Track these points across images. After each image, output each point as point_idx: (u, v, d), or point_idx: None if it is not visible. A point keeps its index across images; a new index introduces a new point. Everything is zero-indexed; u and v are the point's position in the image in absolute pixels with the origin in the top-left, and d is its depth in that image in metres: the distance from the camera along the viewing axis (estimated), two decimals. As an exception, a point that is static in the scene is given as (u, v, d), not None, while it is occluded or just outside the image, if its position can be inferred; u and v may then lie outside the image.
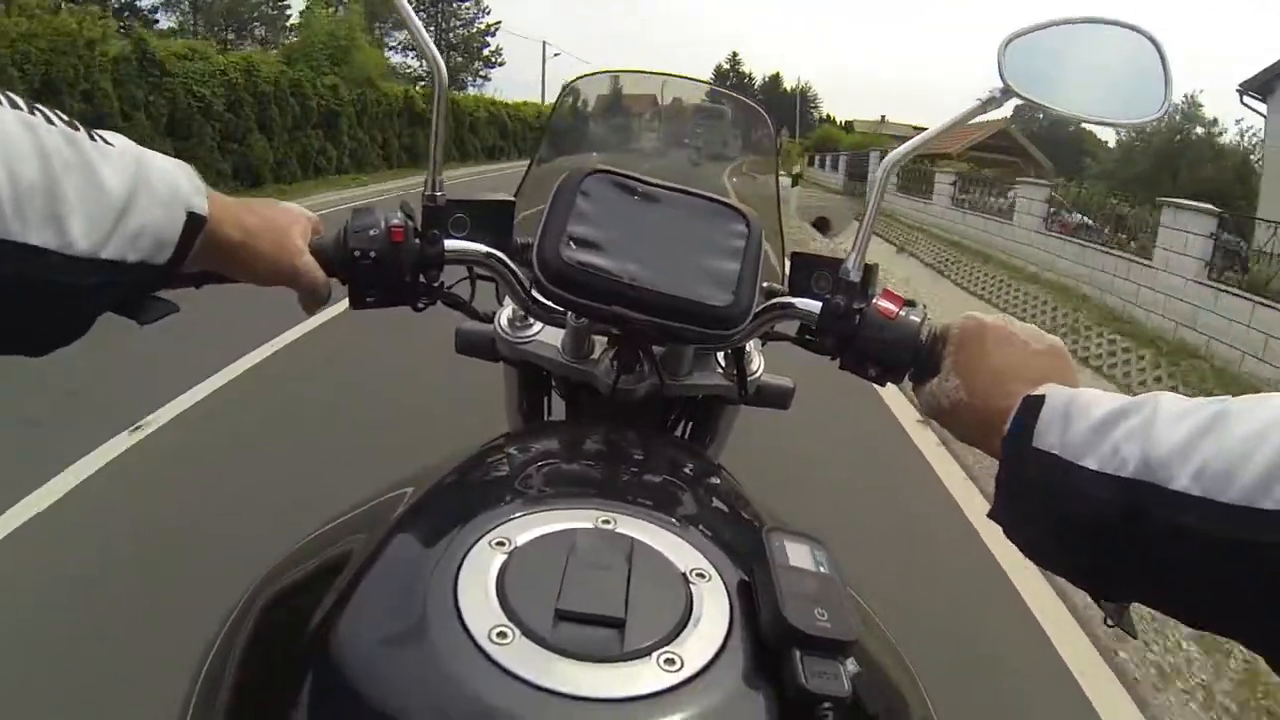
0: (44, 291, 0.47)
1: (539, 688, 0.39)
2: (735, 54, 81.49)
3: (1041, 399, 0.53)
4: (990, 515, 0.56)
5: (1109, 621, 0.53)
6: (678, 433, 1.01)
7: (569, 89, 1.13)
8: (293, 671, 0.44)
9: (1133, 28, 0.86)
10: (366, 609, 0.45)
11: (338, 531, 0.60)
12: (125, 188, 0.50)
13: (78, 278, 0.48)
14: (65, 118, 0.48)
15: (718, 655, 0.43)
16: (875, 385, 0.76)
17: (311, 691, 0.42)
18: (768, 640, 0.44)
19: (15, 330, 0.49)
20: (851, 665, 0.43)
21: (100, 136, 0.50)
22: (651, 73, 1.20)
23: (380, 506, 0.60)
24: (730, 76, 77.49)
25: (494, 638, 0.41)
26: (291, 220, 0.69)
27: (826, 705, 0.40)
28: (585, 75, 1.13)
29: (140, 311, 0.57)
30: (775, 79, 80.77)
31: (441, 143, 0.77)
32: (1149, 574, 0.45)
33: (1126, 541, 0.45)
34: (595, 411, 0.90)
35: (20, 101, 0.46)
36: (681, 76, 1.21)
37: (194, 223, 0.56)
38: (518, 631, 0.41)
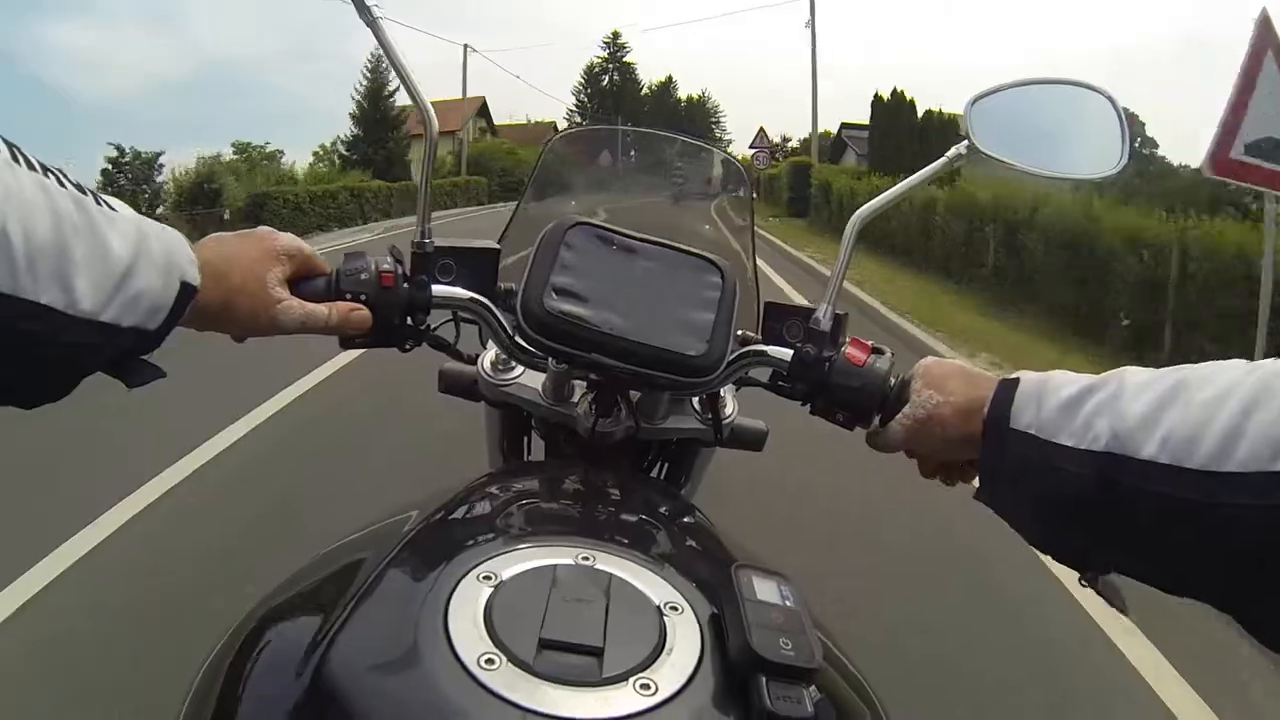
0: (46, 349, 0.48)
1: (525, 709, 0.41)
2: (616, 35, 61.53)
3: (1016, 381, 0.57)
4: (976, 497, 0.59)
5: (1083, 582, 0.55)
6: (654, 473, 1.03)
7: (553, 142, 1.18)
8: (290, 694, 0.45)
9: (1091, 87, 0.90)
10: (363, 637, 0.47)
11: (333, 563, 0.62)
12: (129, 254, 0.52)
13: (78, 337, 0.49)
14: (74, 182, 0.50)
15: (689, 681, 0.45)
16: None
17: (310, 715, 0.44)
18: (736, 668, 0.46)
19: (12, 384, 0.51)
20: (814, 691, 0.45)
21: (106, 202, 0.52)
22: (637, 129, 1.24)
23: (374, 540, 0.62)
24: (610, 68, 61.15)
25: (482, 664, 0.43)
26: (267, 261, 0.68)
27: None
28: (568, 130, 1.18)
29: (130, 374, 0.58)
30: (666, 85, 64.07)
31: (429, 191, 0.80)
32: (1125, 543, 0.48)
33: (1102, 512, 0.48)
34: (574, 452, 0.92)
35: (36, 163, 0.48)
36: (661, 134, 1.25)
37: (186, 292, 0.57)
38: (504, 658, 0.44)
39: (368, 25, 0.75)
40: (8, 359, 0.48)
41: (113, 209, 0.53)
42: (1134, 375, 0.50)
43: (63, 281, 0.48)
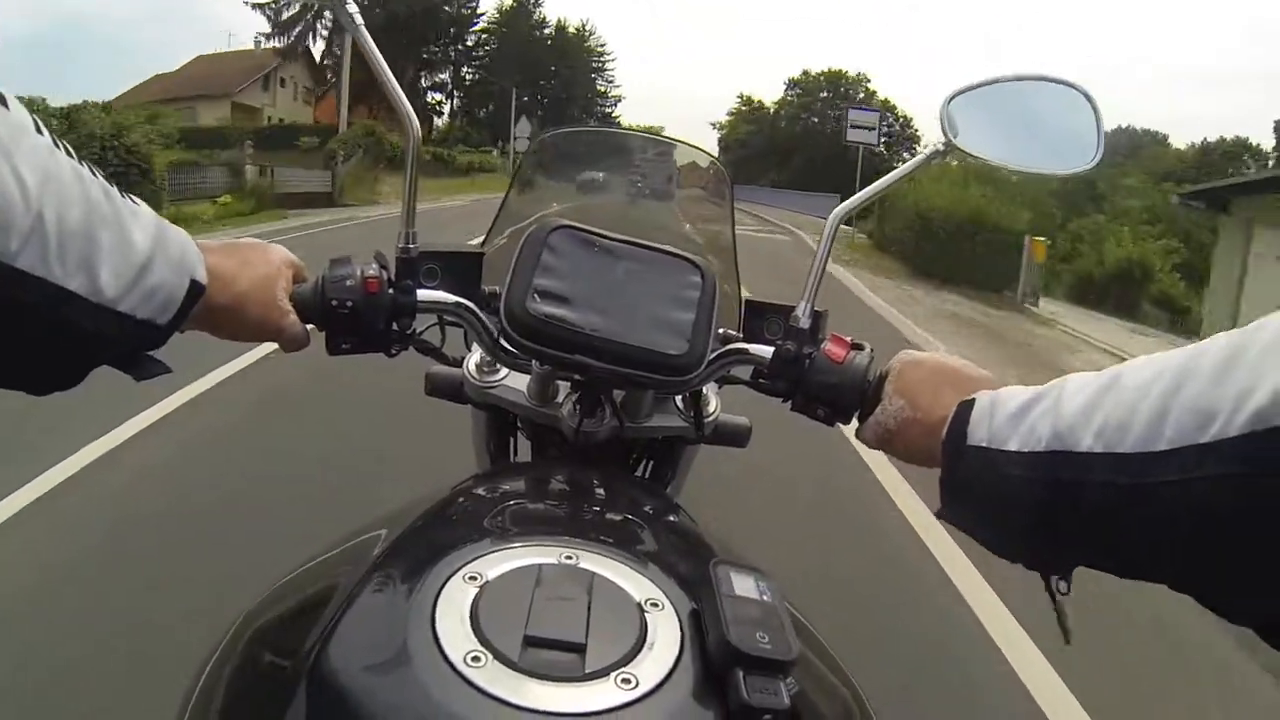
0: (67, 335, 0.50)
1: (510, 705, 0.42)
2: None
3: (972, 402, 0.58)
4: (938, 515, 0.61)
5: (1049, 591, 0.56)
6: (639, 472, 1.04)
7: (537, 143, 1.18)
8: (282, 700, 0.46)
9: (1067, 84, 0.91)
10: (352, 639, 0.48)
11: (320, 568, 0.63)
12: (148, 247, 0.54)
13: (97, 325, 0.51)
14: (102, 173, 0.52)
15: (669, 675, 0.46)
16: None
17: (303, 714, 0.45)
18: (714, 661, 0.47)
19: (30, 369, 0.52)
20: (791, 683, 0.46)
21: (129, 196, 0.54)
22: (617, 130, 1.25)
23: (361, 544, 0.63)
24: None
25: (469, 662, 0.44)
26: (275, 274, 0.72)
27: (767, 718, 0.44)
28: (554, 131, 1.18)
29: (137, 368, 0.59)
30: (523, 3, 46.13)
31: (414, 196, 0.80)
32: (1077, 537, 0.49)
33: (1052, 510, 0.49)
34: (560, 453, 0.93)
35: (72, 151, 0.50)
36: (646, 134, 1.26)
37: (195, 290, 0.59)
38: (490, 656, 0.44)
39: (350, 32, 0.76)
40: (31, 343, 0.49)
41: (135, 203, 0.55)
42: (1076, 378, 0.51)
43: (89, 269, 0.49)
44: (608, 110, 54.78)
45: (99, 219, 0.50)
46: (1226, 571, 0.41)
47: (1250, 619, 0.42)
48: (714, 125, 57.86)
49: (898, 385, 0.70)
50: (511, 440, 1.07)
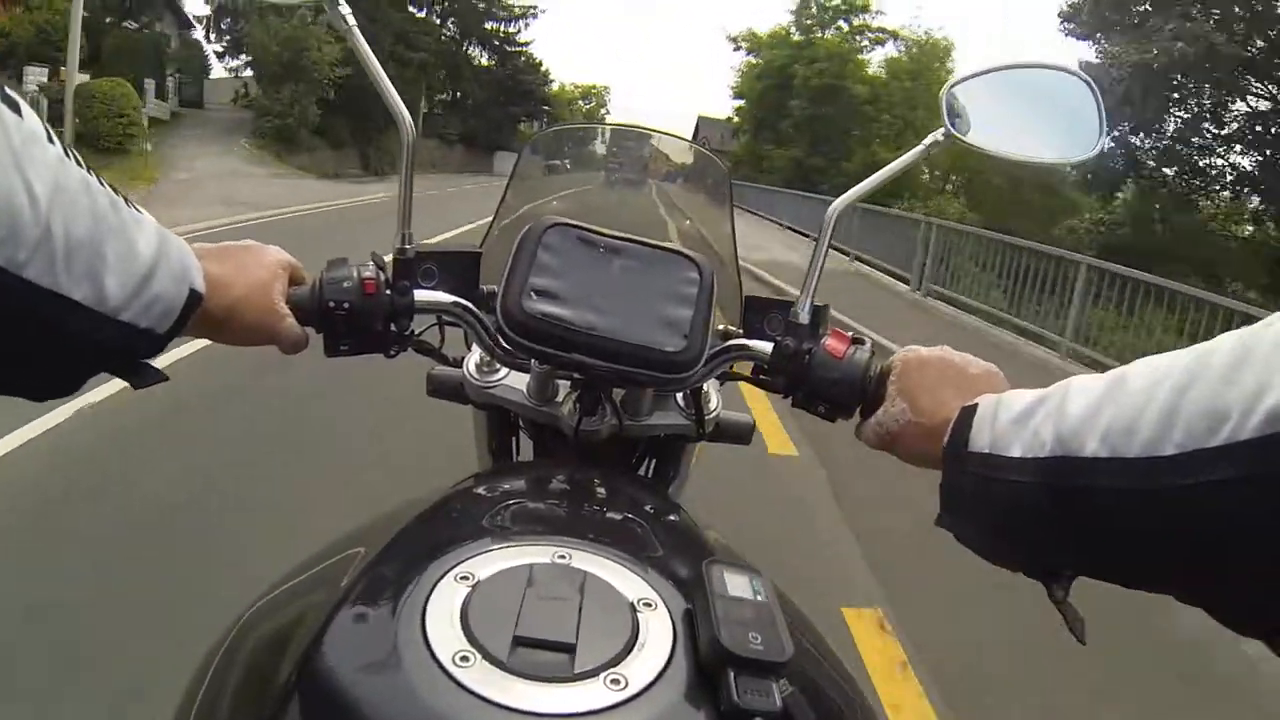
0: (70, 344, 0.50)
1: (497, 705, 0.42)
2: None
3: (975, 407, 0.57)
4: (937, 523, 0.59)
5: (1052, 599, 0.54)
6: (641, 470, 1.03)
7: (533, 142, 1.18)
8: (279, 697, 0.46)
9: (1068, 70, 0.91)
10: (345, 638, 0.48)
11: (321, 566, 0.63)
12: (151, 257, 0.54)
13: (100, 335, 0.51)
14: (109, 183, 0.52)
15: (660, 676, 0.45)
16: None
17: (296, 715, 0.45)
18: (706, 662, 0.46)
19: (30, 376, 0.52)
20: (784, 684, 0.45)
21: (134, 206, 0.55)
22: (613, 125, 1.25)
23: (360, 543, 0.63)
24: None
25: (457, 661, 0.44)
26: (271, 278, 0.71)
27: None
28: (550, 129, 1.18)
29: (136, 375, 0.59)
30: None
31: (410, 195, 0.80)
32: (1080, 544, 0.47)
33: (1054, 518, 0.47)
34: (561, 452, 0.93)
35: (82, 161, 0.50)
36: (642, 128, 1.25)
37: (193, 299, 0.59)
38: (479, 656, 0.44)
39: (342, 32, 0.76)
40: (33, 352, 0.50)
41: (139, 212, 0.55)
42: (1080, 380, 0.50)
43: (94, 279, 0.49)
44: (511, 32, 39.10)
45: (106, 230, 0.50)
46: (1236, 580, 0.40)
47: (1261, 630, 0.41)
48: (732, 39, 38.87)
49: (900, 386, 0.69)
50: (514, 440, 1.07)
